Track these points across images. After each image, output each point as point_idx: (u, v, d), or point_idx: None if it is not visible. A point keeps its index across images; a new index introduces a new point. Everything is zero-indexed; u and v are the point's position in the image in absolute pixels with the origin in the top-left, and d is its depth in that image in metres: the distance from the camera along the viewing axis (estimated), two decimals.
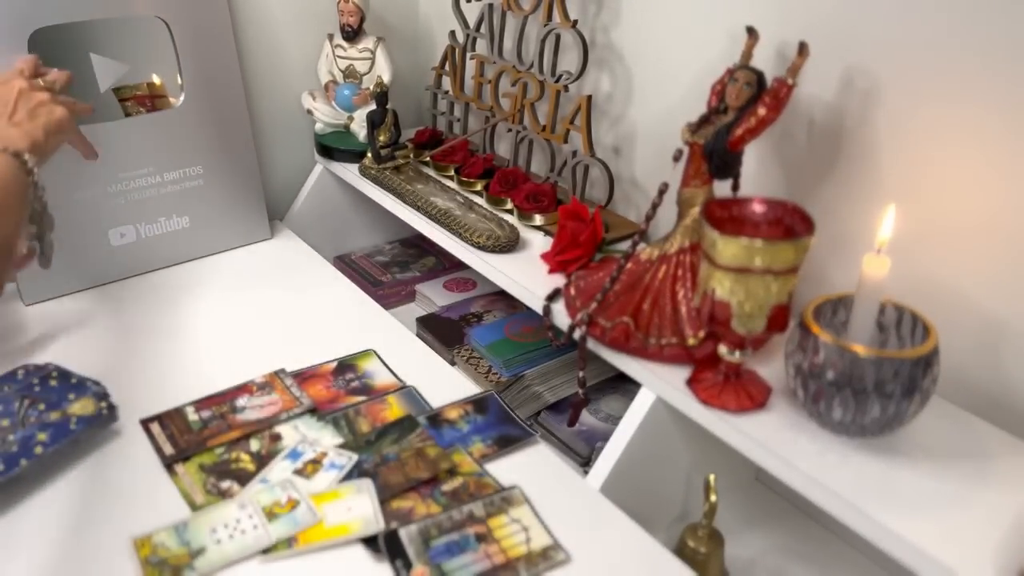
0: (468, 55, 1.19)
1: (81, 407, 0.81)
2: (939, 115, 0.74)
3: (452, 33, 1.20)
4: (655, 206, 0.81)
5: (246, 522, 0.72)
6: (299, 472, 0.78)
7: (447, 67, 1.23)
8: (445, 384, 0.92)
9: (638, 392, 0.82)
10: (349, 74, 1.25)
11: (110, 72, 1.09)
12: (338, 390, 0.91)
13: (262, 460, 0.80)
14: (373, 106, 1.17)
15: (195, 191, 1.14)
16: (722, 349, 0.75)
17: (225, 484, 0.77)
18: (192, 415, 0.86)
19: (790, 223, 0.71)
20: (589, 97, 1.01)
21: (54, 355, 0.93)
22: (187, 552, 0.69)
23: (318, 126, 1.28)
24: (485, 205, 1.10)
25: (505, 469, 0.80)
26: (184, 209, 1.14)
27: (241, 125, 1.16)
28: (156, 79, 1.13)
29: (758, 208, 0.73)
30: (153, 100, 1.12)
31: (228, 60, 1.13)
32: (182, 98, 1.10)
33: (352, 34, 1.21)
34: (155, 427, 0.84)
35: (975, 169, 0.73)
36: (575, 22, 1.00)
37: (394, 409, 0.88)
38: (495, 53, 1.13)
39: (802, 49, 0.74)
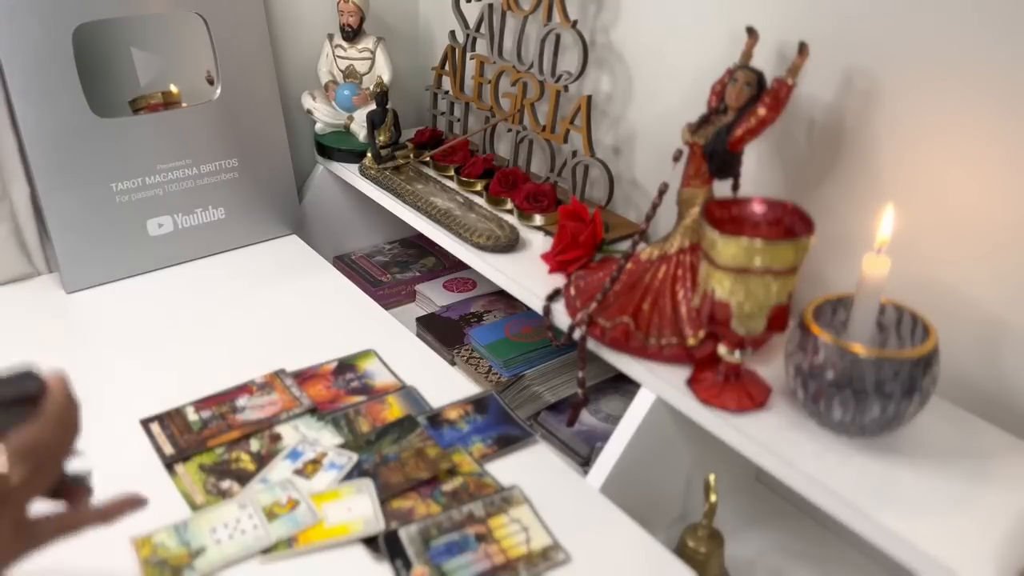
0: (468, 55, 1.19)
1: None
2: (939, 115, 0.74)
3: (452, 33, 1.20)
4: (655, 206, 0.81)
5: (246, 522, 0.72)
6: (299, 472, 0.78)
7: (447, 67, 1.23)
8: (445, 384, 0.92)
9: (638, 392, 0.82)
10: (349, 74, 1.25)
11: (151, 67, 1.12)
12: (338, 390, 0.91)
13: (262, 460, 0.80)
14: (373, 106, 1.17)
15: (231, 183, 1.16)
16: (722, 349, 0.75)
17: (225, 484, 0.77)
18: (192, 415, 0.86)
19: (790, 223, 0.71)
20: (589, 97, 1.01)
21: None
22: (187, 552, 0.69)
23: (318, 126, 1.28)
24: (485, 205, 1.10)
25: (505, 469, 0.80)
26: (220, 201, 1.16)
27: (274, 118, 1.19)
28: (173, 88, 1.15)
29: (758, 208, 0.73)
30: (167, 109, 1.13)
31: (262, 54, 1.16)
32: (218, 92, 1.13)
33: (352, 34, 1.21)
34: (155, 427, 0.84)
35: (975, 169, 0.73)
36: (575, 22, 1.00)
37: (394, 409, 0.88)
38: (495, 53, 1.13)
39: (802, 49, 0.74)
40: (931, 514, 0.64)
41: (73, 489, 0.56)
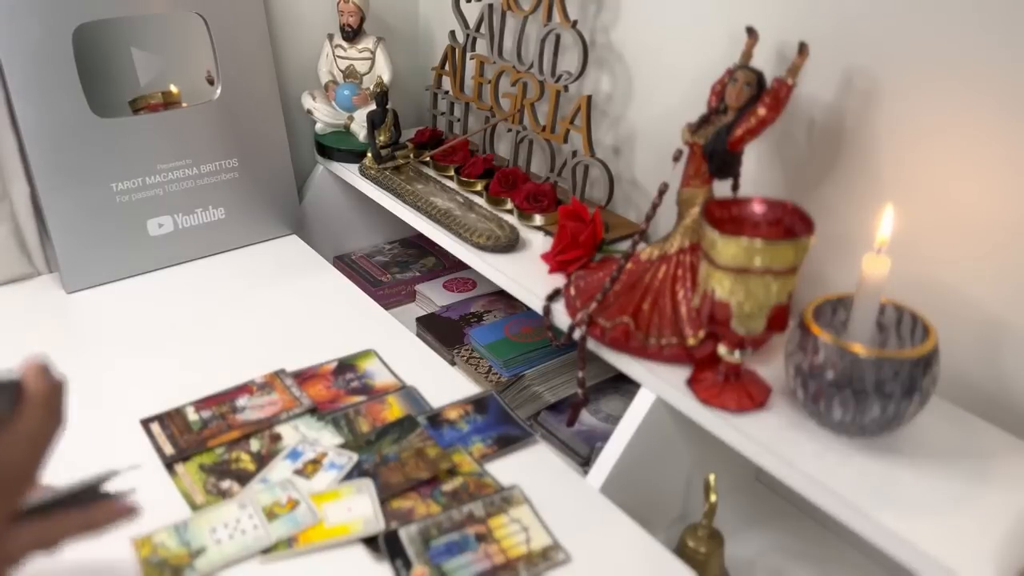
0: (468, 55, 1.19)
1: None
2: (939, 115, 0.74)
3: (452, 33, 1.20)
4: (655, 206, 0.81)
5: (246, 522, 0.72)
6: (299, 472, 0.78)
7: (447, 67, 1.23)
8: (445, 384, 0.92)
9: (638, 392, 0.82)
10: (349, 74, 1.25)
11: (151, 67, 1.12)
12: (338, 390, 0.91)
13: (262, 460, 0.80)
14: (373, 106, 1.17)
15: (231, 183, 1.16)
16: (722, 349, 0.75)
17: (225, 484, 0.77)
18: (192, 415, 0.86)
19: (790, 223, 0.71)
20: (589, 97, 1.01)
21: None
22: (187, 552, 0.69)
23: (318, 126, 1.28)
24: (485, 205, 1.10)
25: (505, 469, 0.80)
26: (220, 201, 1.16)
27: (274, 118, 1.19)
28: (173, 88, 1.15)
29: (758, 208, 0.73)
30: (167, 109, 1.13)
31: (262, 54, 1.16)
32: (218, 92, 1.13)
33: (352, 34, 1.21)
34: (155, 427, 0.84)
35: (975, 169, 0.73)
36: (575, 22, 1.00)
37: (394, 409, 0.88)
38: (495, 53, 1.13)
39: (802, 49, 0.74)
40: (931, 514, 0.64)
41: (90, 498, 0.55)
